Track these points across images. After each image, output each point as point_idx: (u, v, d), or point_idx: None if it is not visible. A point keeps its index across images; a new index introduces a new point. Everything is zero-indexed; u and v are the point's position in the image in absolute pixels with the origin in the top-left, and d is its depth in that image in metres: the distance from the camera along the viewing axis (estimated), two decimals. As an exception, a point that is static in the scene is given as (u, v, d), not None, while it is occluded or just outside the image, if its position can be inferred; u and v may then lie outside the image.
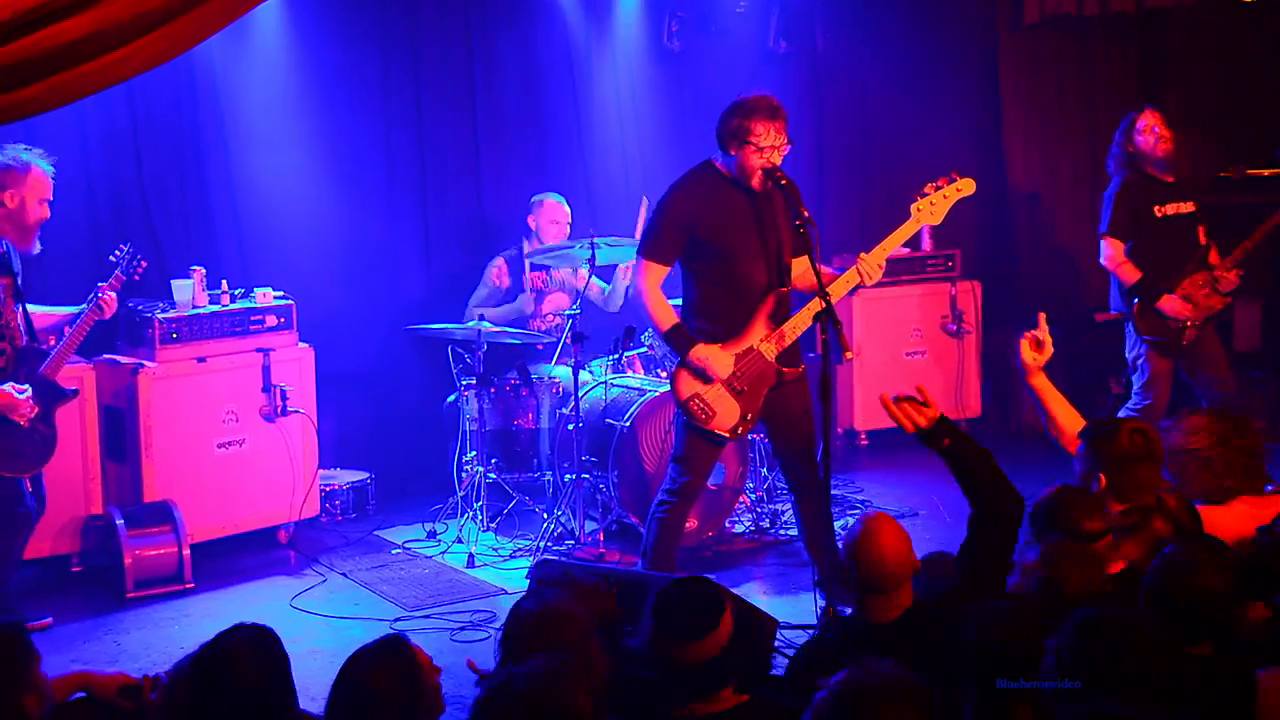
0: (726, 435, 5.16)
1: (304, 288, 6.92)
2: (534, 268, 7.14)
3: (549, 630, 3.19)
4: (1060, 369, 8.36)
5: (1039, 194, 9.15)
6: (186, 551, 6.05)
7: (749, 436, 5.99)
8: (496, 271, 7.21)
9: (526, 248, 7.11)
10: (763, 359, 5.14)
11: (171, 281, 6.44)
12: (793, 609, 5.46)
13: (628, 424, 6.30)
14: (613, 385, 6.61)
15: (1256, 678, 3.02)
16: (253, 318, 6.55)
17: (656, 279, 5.17)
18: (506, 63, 7.90)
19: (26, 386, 5.39)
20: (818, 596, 5.07)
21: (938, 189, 5.22)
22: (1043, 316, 4.58)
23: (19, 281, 5.48)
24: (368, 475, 7.26)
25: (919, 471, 7.14)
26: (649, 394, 6.39)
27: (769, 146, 5.00)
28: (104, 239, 6.71)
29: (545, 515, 6.53)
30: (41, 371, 5.50)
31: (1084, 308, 9.05)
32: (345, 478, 7.21)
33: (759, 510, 6.76)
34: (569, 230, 7.18)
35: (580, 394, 6.32)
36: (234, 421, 6.49)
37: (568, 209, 7.25)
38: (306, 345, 6.72)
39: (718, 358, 5.06)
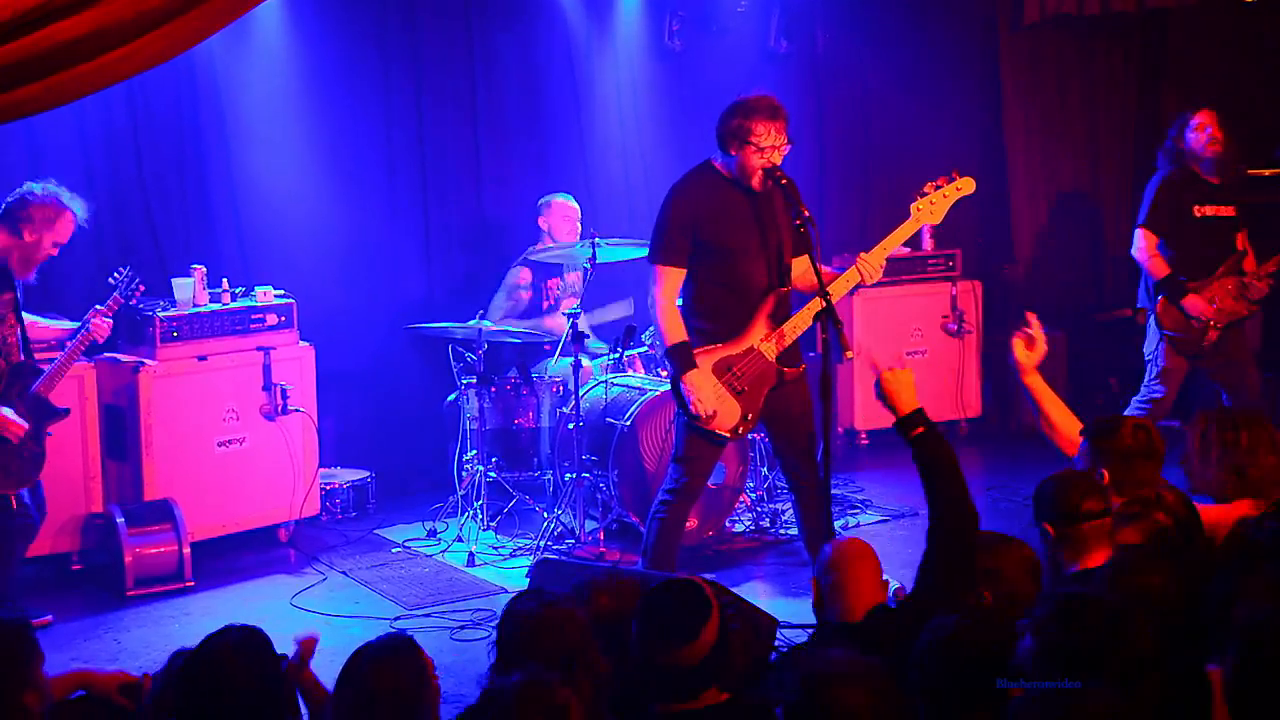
0: (727, 435, 5.16)
1: (305, 286, 6.93)
2: (550, 274, 7.15)
3: (547, 631, 3.17)
4: (1061, 369, 8.44)
5: (1039, 194, 9.15)
6: (187, 550, 6.06)
7: (749, 436, 5.99)
8: (519, 279, 7.20)
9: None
10: (763, 359, 5.14)
11: (172, 280, 6.44)
12: (793, 609, 5.45)
13: (628, 423, 6.30)
14: (613, 384, 6.61)
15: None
16: (253, 316, 6.55)
17: (673, 286, 5.14)
18: (507, 62, 7.90)
19: (18, 404, 5.38)
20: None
21: (937, 188, 5.22)
22: (1032, 316, 4.57)
23: (20, 297, 5.48)
24: (368, 474, 7.26)
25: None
26: (649, 393, 6.39)
27: (769, 146, 5.00)
28: (104, 238, 6.72)
29: (545, 514, 6.53)
30: (35, 389, 5.49)
31: (1085, 308, 9.07)
32: (346, 476, 7.21)
33: (759, 510, 6.76)
34: (580, 228, 7.18)
35: (580, 393, 6.32)
36: (234, 420, 6.49)
37: (577, 206, 7.26)
38: (307, 344, 6.73)
39: (704, 390, 5.05)
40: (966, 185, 5.27)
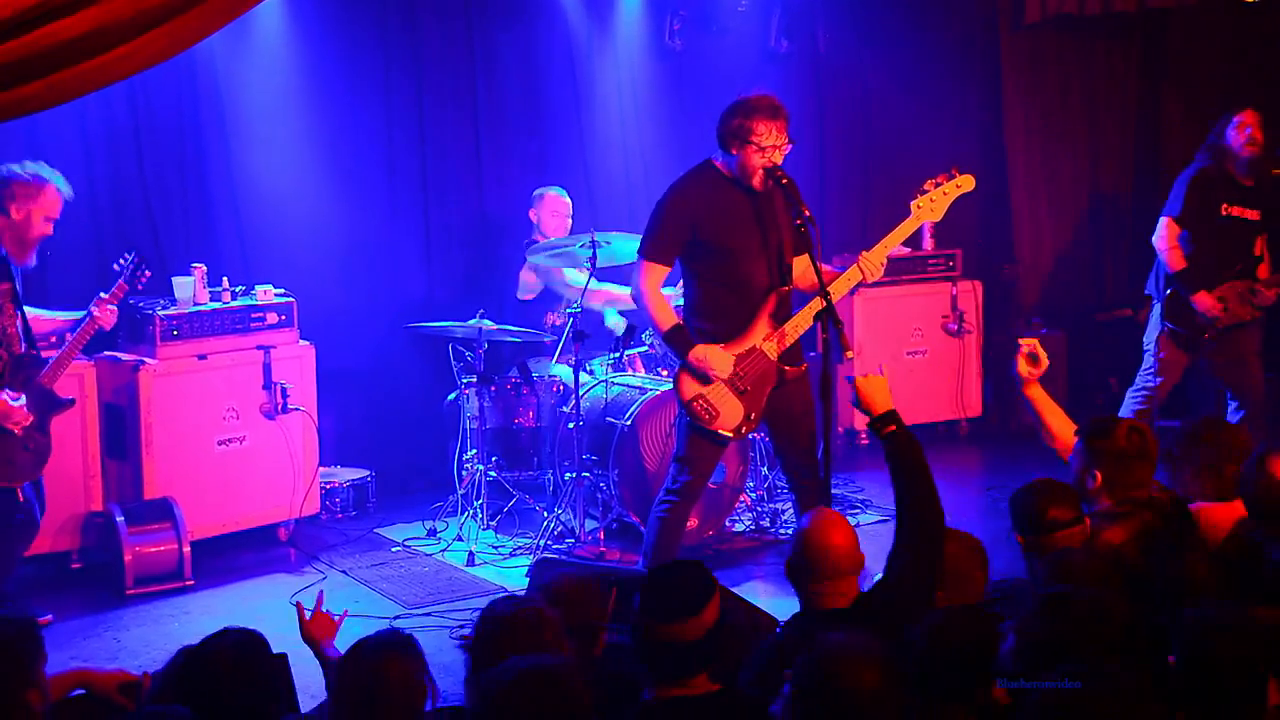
0: (730, 435, 5.15)
1: (305, 285, 6.93)
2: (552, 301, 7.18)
3: (520, 634, 3.17)
4: (1061, 369, 8.43)
5: (1039, 194, 9.15)
6: (187, 548, 6.06)
7: (750, 435, 5.99)
8: (525, 278, 7.20)
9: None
10: (765, 358, 5.14)
11: (172, 279, 6.44)
12: (793, 608, 5.44)
13: (628, 422, 6.30)
14: (613, 384, 6.61)
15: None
16: (253, 315, 6.55)
17: (657, 280, 5.16)
18: (507, 61, 7.90)
19: (21, 395, 5.35)
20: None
21: (938, 185, 5.22)
22: (1035, 341, 4.60)
23: (18, 288, 5.45)
24: (368, 473, 7.26)
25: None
26: (650, 392, 6.39)
27: (770, 146, 4.99)
28: (105, 237, 6.73)
29: (546, 513, 6.53)
30: (39, 380, 5.47)
31: (1085, 308, 9.07)
32: (345, 475, 7.21)
33: (759, 509, 6.76)
34: (570, 223, 7.18)
35: (581, 392, 6.32)
36: (234, 419, 6.49)
37: (569, 201, 7.26)
38: (307, 343, 6.73)
39: (717, 356, 5.05)
40: (966, 183, 5.27)
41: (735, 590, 4.55)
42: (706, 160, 5.19)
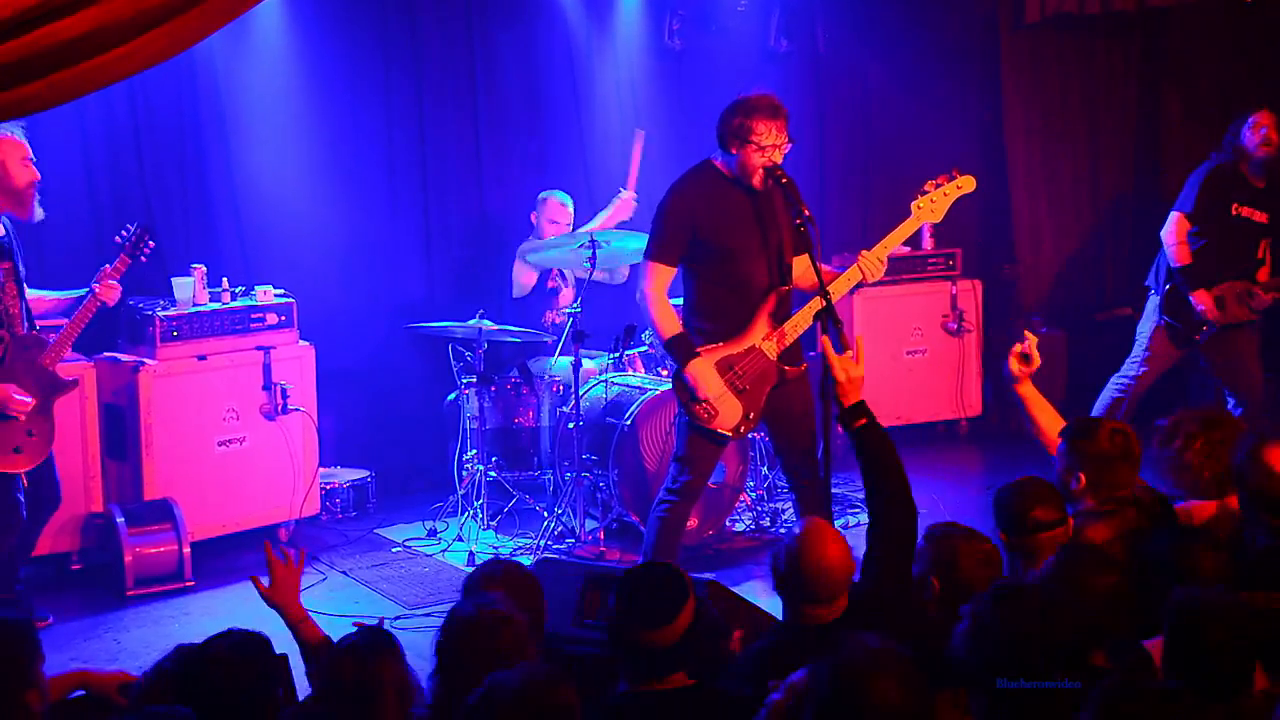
0: (729, 434, 5.15)
1: (305, 286, 6.93)
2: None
3: (484, 635, 3.16)
4: (1060, 368, 8.43)
5: (1039, 194, 9.14)
6: (187, 549, 6.06)
7: (749, 435, 5.99)
8: (518, 276, 7.21)
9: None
10: (764, 358, 5.14)
11: (172, 279, 6.44)
12: (793, 608, 5.45)
13: (628, 422, 6.30)
14: (613, 383, 6.61)
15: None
16: (253, 316, 6.56)
17: (663, 282, 5.14)
18: (507, 61, 7.90)
19: (28, 399, 5.34)
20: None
21: (938, 186, 5.22)
22: (1030, 335, 4.60)
23: (20, 266, 5.40)
24: (368, 473, 7.26)
25: (918, 470, 7.06)
26: (650, 392, 6.39)
27: (770, 145, 4.99)
28: (105, 236, 6.70)
29: (546, 513, 6.53)
30: (40, 361, 5.43)
31: (1085, 308, 9.06)
32: (346, 476, 7.21)
33: (759, 509, 6.76)
34: (570, 230, 7.18)
35: (581, 392, 6.32)
36: (234, 419, 6.49)
37: (570, 209, 7.26)
38: (307, 343, 6.73)
39: (709, 378, 5.05)
40: (967, 183, 5.27)
41: (735, 590, 4.53)
42: (706, 160, 5.19)
